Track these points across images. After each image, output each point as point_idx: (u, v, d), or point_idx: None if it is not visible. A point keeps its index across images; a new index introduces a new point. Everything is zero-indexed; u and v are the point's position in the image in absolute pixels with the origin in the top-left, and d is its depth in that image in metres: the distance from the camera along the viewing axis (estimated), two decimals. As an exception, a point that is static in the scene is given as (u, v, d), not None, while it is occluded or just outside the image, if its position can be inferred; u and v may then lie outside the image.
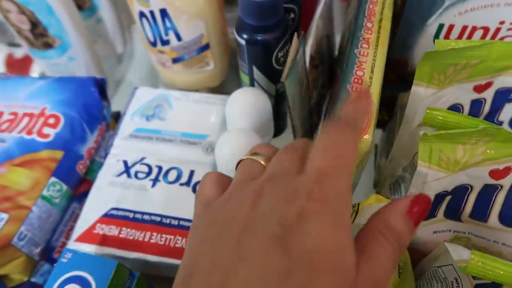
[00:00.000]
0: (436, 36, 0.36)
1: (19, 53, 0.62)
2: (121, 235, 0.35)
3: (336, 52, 0.47)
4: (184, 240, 0.35)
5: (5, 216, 0.34)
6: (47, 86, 0.43)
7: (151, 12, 0.43)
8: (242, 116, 0.37)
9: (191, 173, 0.39)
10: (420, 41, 0.37)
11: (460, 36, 0.36)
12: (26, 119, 0.40)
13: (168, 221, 0.36)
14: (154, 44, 0.47)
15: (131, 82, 0.59)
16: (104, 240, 0.35)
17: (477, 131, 0.26)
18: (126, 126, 0.43)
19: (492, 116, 0.32)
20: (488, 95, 0.31)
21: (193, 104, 0.44)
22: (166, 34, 0.45)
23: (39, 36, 0.46)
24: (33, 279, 0.35)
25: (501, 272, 0.24)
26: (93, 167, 0.42)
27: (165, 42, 0.46)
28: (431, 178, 0.29)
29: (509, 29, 0.35)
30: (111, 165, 0.40)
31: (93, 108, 0.42)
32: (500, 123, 0.32)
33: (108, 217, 0.37)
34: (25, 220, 0.34)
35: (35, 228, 0.35)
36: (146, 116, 0.43)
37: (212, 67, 0.49)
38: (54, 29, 0.45)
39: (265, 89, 0.42)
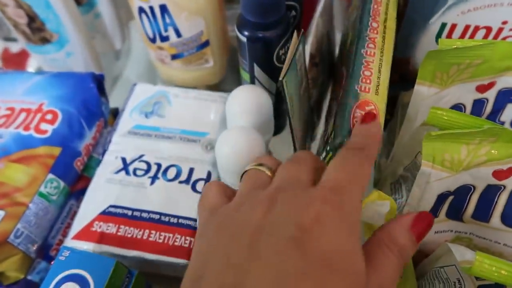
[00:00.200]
0: (439, 35, 0.36)
1: (15, 47, 0.62)
2: (119, 233, 0.35)
3: (337, 51, 0.47)
4: (183, 238, 0.35)
5: (1, 213, 0.33)
6: (44, 81, 0.42)
7: (151, 8, 0.42)
8: (243, 114, 0.37)
9: (191, 170, 0.39)
10: (422, 40, 0.37)
11: (462, 36, 0.36)
12: (23, 115, 0.39)
13: (167, 219, 0.36)
14: (153, 40, 0.46)
15: (129, 79, 0.58)
16: (102, 238, 0.35)
17: (481, 131, 0.26)
18: (125, 122, 0.42)
19: (494, 116, 0.32)
20: (491, 95, 0.31)
21: (192, 101, 0.43)
22: (166, 30, 0.44)
23: (37, 30, 0.45)
24: (29, 277, 0.35)
25: (505, 273, 0.24)
26: (91, 164, 0.42)
27: (164, 38, 0.45)
28: (434, 178, 0.29)
29: (511, 29, 0.35)
30: (109, 162, 0.39)
31: (92, 104, 0.42)
32: (502, 123, 0.32)
33: (106, 215, 0.36)
34: (21, 217, 0.34)
35: (32, 225, 0.34)
36: (145, 113, 0.43)
37: (211, 64, 0.49)
38: (51, 23, 0.45)
39: (266, 87, 0.41)
